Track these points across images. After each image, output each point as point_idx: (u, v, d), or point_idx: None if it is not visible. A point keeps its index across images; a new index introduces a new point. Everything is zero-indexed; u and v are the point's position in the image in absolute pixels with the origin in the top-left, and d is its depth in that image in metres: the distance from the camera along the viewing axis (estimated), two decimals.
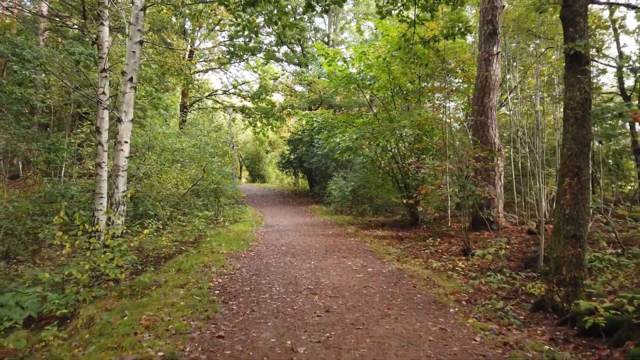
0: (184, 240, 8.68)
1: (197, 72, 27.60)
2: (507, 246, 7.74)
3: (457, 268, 6.85)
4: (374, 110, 12.80)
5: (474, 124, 10.00)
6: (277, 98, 27.77)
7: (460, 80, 12.95)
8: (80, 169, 14.22)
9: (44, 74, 11.82)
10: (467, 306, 4.91)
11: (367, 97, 12.84)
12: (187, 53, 24.16)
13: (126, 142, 8.93)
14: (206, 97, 28.21)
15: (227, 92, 27.82)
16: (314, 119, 12.60)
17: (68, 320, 4.65)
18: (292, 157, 24.05)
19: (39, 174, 13.51)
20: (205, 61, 26.23)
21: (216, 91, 27.68)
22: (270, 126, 27.78)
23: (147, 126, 14.92)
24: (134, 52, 8.61)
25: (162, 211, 11.55)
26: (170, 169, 13.91)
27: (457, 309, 4.77)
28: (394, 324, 4.29)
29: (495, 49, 9.80)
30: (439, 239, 9.26)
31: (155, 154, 13.94)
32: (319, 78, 18.84)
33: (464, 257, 7.73)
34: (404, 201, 11.43)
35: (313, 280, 5.94)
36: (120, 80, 12.25)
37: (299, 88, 26.11)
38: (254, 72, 26.84)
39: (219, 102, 28.95)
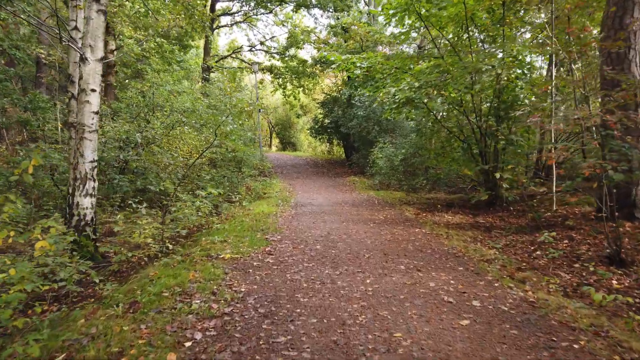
0: (173, 234, 5.99)
1: (221, 26, 24.65)
2: None
3: (627, 299, 3.74)
4: (439, 51, 9.40)
5: (606, 55, 6.52)
6: (309, 54, 24.39)
7: None
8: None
9: None
10: None
11: (431, 34, 9.40)
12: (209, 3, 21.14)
13: (93, 90, 6.23)
14: (230, 55, 25.25)
15: (253, 50, 24.70)
16: (357, 64, 9.38)
17: None
18: (326, 121, 20.97)
19: (24, 138, 11.29)
20: (229, 14, 23.15)
21: (241, 47, 24.61)
22: (301, 88, 24.65)
23: (150, 80, 12.25)
24: None
25: (171, 186, 9.00)
26: (181, 134, 11.26)
27: None
28: None
29: None
30: (552, 232, 6.08)
31: (164, 116, 11.30)
32: (359, 21, 15.36)
33: (617, 270, 4.61)
34: (478, 174, 8.26)
35: (380, 335, 3.04)
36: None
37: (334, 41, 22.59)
38: (283, 25, 23.45)
39: (244, 62, 25.94)
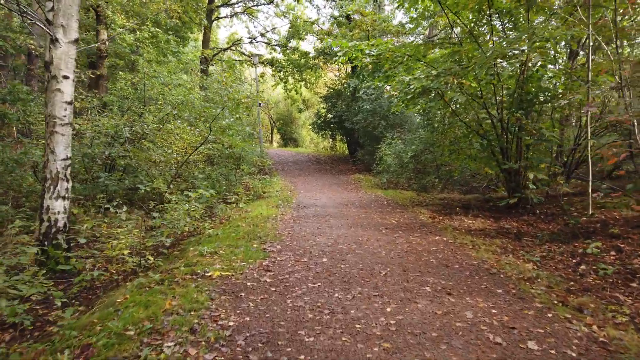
0: (156, 243, 5.14)
1: (220, 17, 23.75)
2: None
3: None
4: (457, 36, 8.52)
5: None
6: (312, 45, 23.42)
7: None
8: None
9: None
10: None
11: (448, 18, 8.50)
12: None
13: (66, 76, 5.45)
14: (230, 48, 24.33)
15: (254, 42, 23.77)
16: (366, 52, 8.49)
17: None
18: (329, 116, 20.10)
19: (11, 132, 10.46)
20: (228, 5, 22.25)
21: (240, 39, 23.67)
22: (303, 82, 23.74)
23: (141, 71, 11.40)
24: None
25: (163, 185, 8.21)
26: (175, 129, 10.40)
27: None
28: None
29: None
30: (596, 242, 5.24)
31: (157, 110, 10.46)
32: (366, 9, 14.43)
33: None
34: (498, 172, 7.41)
35: None
36: None
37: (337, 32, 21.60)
38: (285, 17, 22.48)
39: (244, 54, 25.01)
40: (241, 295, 3.58)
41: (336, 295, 3.66)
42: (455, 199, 9.64)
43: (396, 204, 9.04)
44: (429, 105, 7.59)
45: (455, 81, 7.09)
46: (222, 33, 47.85)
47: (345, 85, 17.95)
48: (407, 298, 3.60)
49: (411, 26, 15.33)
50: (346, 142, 21.54)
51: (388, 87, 16.79)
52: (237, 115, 9.60)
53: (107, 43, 13.87)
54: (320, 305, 3.43)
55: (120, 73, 14.64)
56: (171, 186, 9.03)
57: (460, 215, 7.64)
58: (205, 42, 21.67)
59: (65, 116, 5.37)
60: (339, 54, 8.72)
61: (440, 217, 7.48)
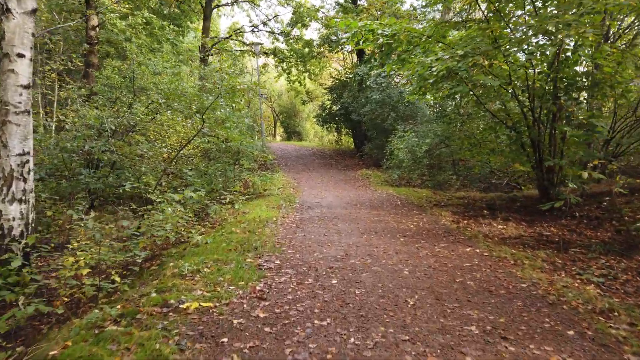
0: (125, 258, 4.18)
1: (221, 5, 22.67)
2: None
3: None
4: (483, 14, 7.47)
5: None
6: (317, 31, 22.27)
7: None
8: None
9: None
10: None
11: None
12: None
13: (21, 55, 4.53)
14: (230, 37, 23.27)
15: (255, 30, 22.67)
16: (378, 32, 7.46)
17: None
18: (334, 108, 19.07)
19: None
20: None
21: (241, 28, 22.59)
22: (307, 73, 22.66)
23: (130, 57, 10.45)
24: None
25: (153, 183, 7.32)
26: (168, 120, 9.44)
27: None
28: None
29: None
30: None
31: (148, 101, 9.51)
32: None
33: None
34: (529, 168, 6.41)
35: None
36: None
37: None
38: (288, 4, 21.36)
39: (246, 44, 23.94)
40: (223, 342, 2.63)
41: (352, 340, 2.71)
42: (476, 198, 8.64)
43: (412, 204, 8.06)
44: (455, 90, 6.55)
45: (486, 62, 6.06)
46: (223, 23, 46.68)
47: (352, 75, 16.89)
48: (448, 345, 2.64)
49: (425, 9, 14.24)
50: (352, 135, 20.53)
51: (397, 79, 15.73)
52: (233, 105, 8.63)
53: (97, 29, 12.89)
54: (331, 359, 2.48)
55: (109, 60, 13.69)
56: (163, 183, 8.12)
57: (487, 219, 6.65)
58: (205, 30, 20.65)
59: (20, 102, 4.44)
60: (346, 36, 7.72)
61: (466, 221, 6.49)
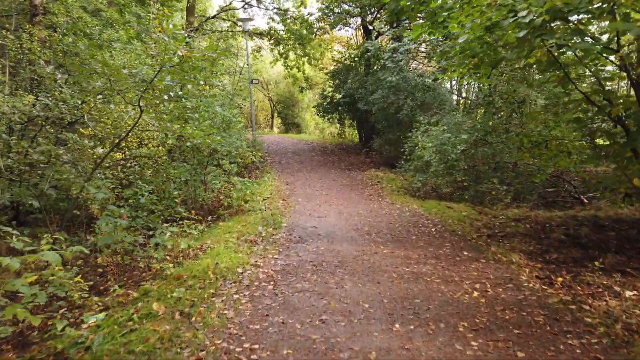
0: None
1: None
2: None
3: None
4: None
5: None
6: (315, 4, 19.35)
7: None
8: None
9: None
10: None
11: None
12: None
13: None
14: (219, 15, 20.40)
15: (247, 7, 19.79)
16: None
17: None
18: (337, 96, 16.35)
19: None
20: None
21: (231, 4, 19.72)
22: (306, 57, 19.84)
23: (58, 22, 7.78)
24: None
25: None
26: (108, 110, 6.75)
27: None
28: None
29: None
30: None
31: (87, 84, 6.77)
32: None
33: None
34: None
35: None
36: None
37: None
38: None
39: (236, 24, 21.06)
40: None
41: None
42: (541, 221, 5.96)
43: (453, 234, 5.40)
44: (575, 46, 3.75)
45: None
46: (216, 2, 43.54)
47: (358, 54, 14.10)
48: None
49: None
50: (357, 127, 17.82)
51: (422, 50, 12.92)
52: (197, 85, 5.96)
53: None
54: None
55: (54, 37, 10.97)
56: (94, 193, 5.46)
57: (585, 266, 3.98)
58: (190, 9, 17.82)
59: None
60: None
61: (559, 278, 3.83)
